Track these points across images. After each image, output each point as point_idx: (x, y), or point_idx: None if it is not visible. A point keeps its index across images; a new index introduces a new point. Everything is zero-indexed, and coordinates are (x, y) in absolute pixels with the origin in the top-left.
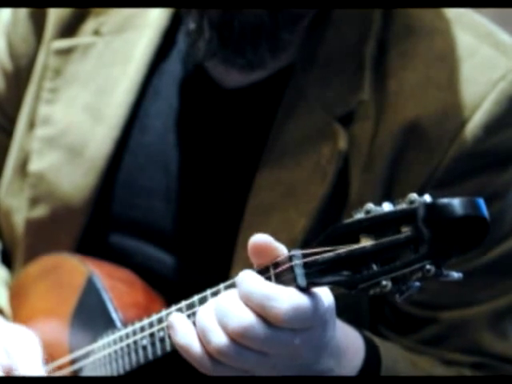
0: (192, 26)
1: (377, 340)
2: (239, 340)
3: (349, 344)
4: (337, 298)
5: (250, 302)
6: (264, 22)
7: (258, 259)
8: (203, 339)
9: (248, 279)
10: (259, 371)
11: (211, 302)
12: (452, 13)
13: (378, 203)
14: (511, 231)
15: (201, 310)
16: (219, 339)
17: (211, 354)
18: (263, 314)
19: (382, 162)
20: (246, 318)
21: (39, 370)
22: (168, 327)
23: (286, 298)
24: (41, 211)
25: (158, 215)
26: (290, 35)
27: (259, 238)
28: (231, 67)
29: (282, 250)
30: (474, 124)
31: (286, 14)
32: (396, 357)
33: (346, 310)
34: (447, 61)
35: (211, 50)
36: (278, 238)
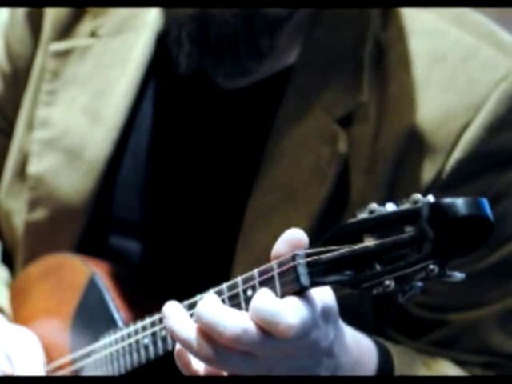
0: (172, 40)
1: (389, 345)
2: (235, 346)
3: (361, 347)
4: (338, 299)
5: (256, 318)
6: (239, 30)
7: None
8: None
9: (257, 295)
10: (255, 373)
11: (186, 321)
12: (452, 13)
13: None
14: None
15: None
16: (206, 350)
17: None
18: (270, 330)
19: (384, 165)
20: (237, 325)
21: (39, 374)
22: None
23: (292, 315)
24: (40, 214)
25: (157, 217)
26: (270, 40)
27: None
28: (217, 76)
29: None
30: (477, 125)
31: (261, 21)
32: (409, 361)
33: (348, 311)
34: (448, 61)
35: (193, 62)
36: None
